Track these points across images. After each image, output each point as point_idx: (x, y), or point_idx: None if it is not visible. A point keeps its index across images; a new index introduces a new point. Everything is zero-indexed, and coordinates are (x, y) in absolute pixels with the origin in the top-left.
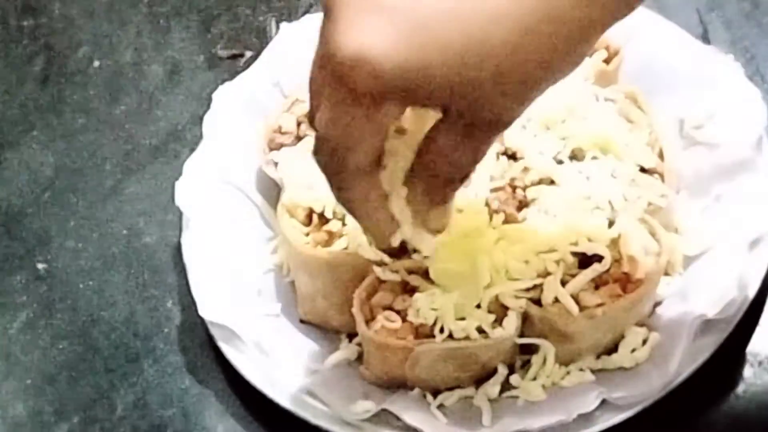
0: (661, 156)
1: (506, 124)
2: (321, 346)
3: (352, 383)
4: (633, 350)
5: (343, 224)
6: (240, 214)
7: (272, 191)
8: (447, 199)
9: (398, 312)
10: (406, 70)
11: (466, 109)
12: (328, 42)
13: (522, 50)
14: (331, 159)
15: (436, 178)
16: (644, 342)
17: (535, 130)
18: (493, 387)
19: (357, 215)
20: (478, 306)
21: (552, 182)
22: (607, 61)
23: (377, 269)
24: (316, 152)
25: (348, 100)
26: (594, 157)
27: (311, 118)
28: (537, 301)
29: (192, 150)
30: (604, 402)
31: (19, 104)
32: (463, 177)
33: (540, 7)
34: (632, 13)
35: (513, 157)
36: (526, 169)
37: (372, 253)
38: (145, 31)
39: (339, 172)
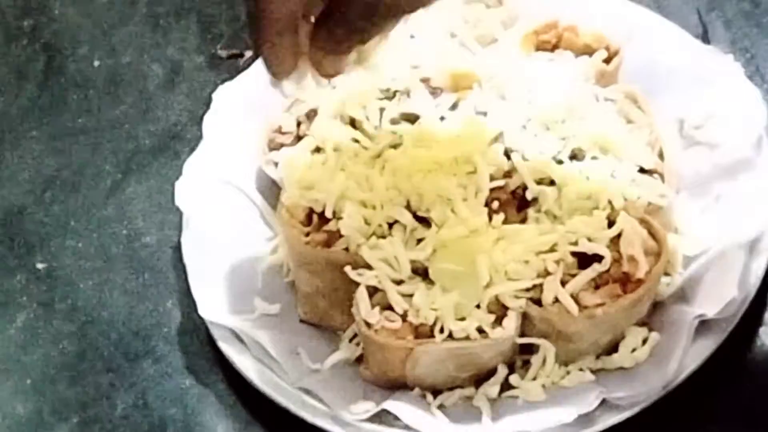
0: (661, 156)
1: (411, 12)
2: (321, 346)
3: (352, 383)
4: (633, 350)
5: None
6: (240, 214)
7: (272, 191)
8: (343, 51)
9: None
10: None
11: None
12: None
13: None
14: (255, 6)
15: (339, 30)
16: (644, 342)
17: (535, 130)
18: (492, 387)
19: (264, 57)
20: (478, 306)
21: (552, 182)
22: (607, 61)
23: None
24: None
25: None
26: (594, 157)
27: None
28: (537, 301)
29: (192, 150)
30: (604, 402)
31: (19, 104)
32: (361, 41)
33: None
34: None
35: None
36: (526, 169)
37: None
38: (145, 31)
39: (260, 20)
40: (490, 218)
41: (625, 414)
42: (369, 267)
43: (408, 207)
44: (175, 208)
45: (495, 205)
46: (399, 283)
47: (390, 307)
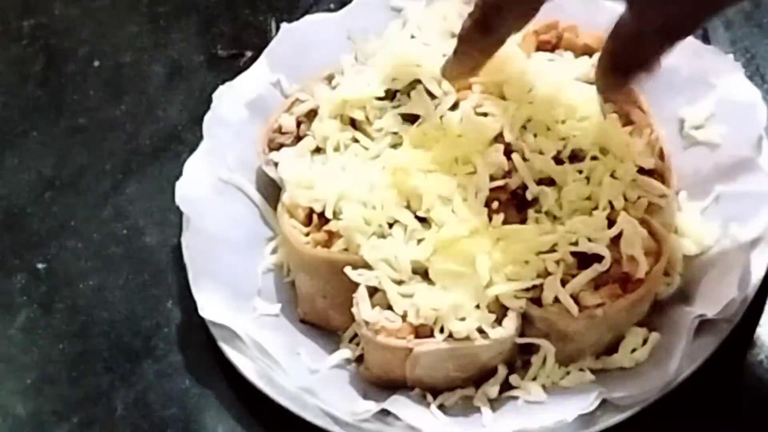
0: (661, 156)
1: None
2: (321, 346)
3: (352, 383)
4: (633, 350)
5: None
6: (240, 214)
7: (272, 191)
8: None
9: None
10: None
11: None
12: None
13: None
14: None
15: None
16: (644, 342)
17: (535, 130)
18: (492, 387)
19: (457, 61)
20: (478, 306)
21: (552, 182)
22: None
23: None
24: (469, 14)
25: None
26: (594, 157)
27: None
28: (537, 301)
29: (192, 150)
30: (604, 402)
31: (19, 104)
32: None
33: None
34: None
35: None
36: (526, 169)
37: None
38: (145, 31)
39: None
40: (490, 218)
41: (625, 414)
42: (369, 267)
43: (408, 207)
44: (175, 208)
45: (495, 205)
46: (399, 283)
47: (390, 307)
